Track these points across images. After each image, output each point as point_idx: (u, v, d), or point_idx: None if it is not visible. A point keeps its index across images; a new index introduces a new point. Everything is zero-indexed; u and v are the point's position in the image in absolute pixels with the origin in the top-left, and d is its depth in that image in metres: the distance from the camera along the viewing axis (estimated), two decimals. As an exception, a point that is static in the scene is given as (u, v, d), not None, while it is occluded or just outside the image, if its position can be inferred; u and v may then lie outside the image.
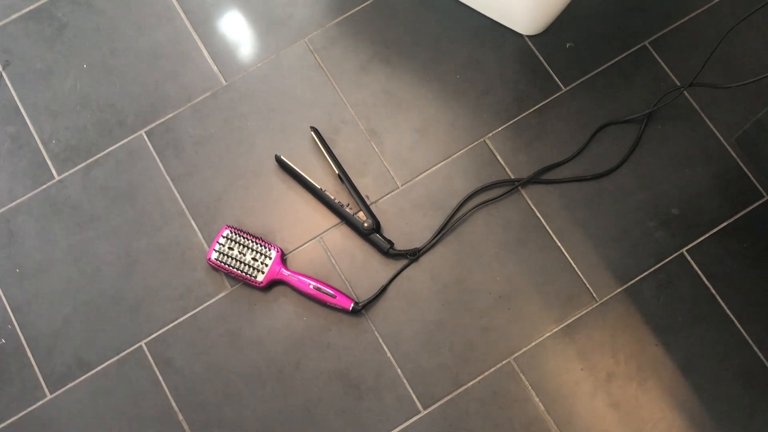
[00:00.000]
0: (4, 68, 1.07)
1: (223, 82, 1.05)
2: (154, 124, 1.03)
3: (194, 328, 0.95)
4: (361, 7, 1.08)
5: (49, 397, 0.94)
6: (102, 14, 1.09)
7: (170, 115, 1.04)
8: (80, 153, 1.02)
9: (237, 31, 1.08)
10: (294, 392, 0.93)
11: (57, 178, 1.02)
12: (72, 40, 1.08)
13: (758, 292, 0.95)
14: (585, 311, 0.95)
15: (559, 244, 0.97)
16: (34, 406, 0.93)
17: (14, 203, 1.01)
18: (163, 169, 1.01)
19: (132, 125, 1.03)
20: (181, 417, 0.92)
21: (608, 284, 0.95)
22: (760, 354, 0.93)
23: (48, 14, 1.09)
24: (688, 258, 0.96)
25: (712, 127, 1.01)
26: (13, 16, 1.09)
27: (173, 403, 0.93)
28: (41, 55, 1.07)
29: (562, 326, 0.94)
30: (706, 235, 0.97)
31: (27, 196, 1.01)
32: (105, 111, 1.04)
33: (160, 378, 0.94)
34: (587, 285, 0.95)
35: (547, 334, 0.94)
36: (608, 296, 0.95)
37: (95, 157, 1.02)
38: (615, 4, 1.07)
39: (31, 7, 1.09)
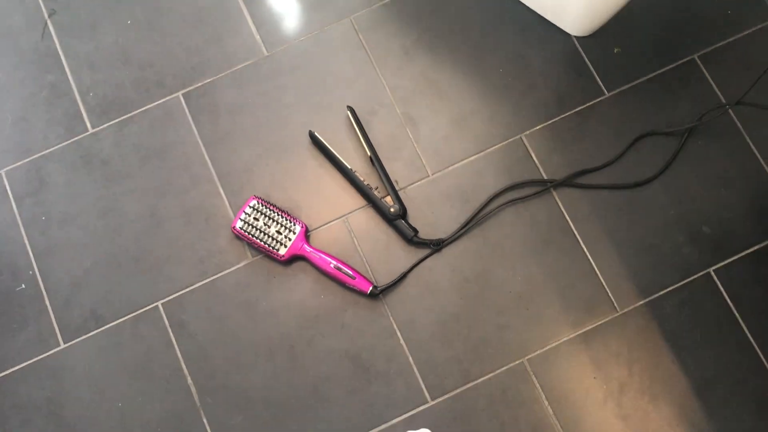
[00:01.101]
0: (49, 16, 1.07)
1: (265, 52, 1.04)
2: (191, 87, 1.03)
3: (211, 294, 0.96)
4: (410, -10, 1.07)
5: (62, 346, 0.94)
6: (151, -28, 1.09)
7: (209, 80, 1.03)
8: (116, 108, 1.03)
9: (283, 2, 1.07)
10: (304, 368, 0.93)
11: (91, 130, 1.02)
12: (119, -5, 1.08)
13: (782, 321, 0.93)
14: (604, 320, 0.94)
15: (585, 249, 0.96)
16: (46, 354, 0.94)
17: (47, 151, 1.01)
18: (196, 132, 1.01)
19: (170, 86, 1.03)
20: (189, 380, 0.93)
21: (630, 295, 0.94)
22: (777, 383, 0.91)
23: (98, -33, 1.09)
24: (715, 278, 0.95)
25: (754, 148, 0.99)
26: (63, -34, 1.09)
27: (183, 366, 0.93)
28: (86, 6, 1.07)
29: (579, 332, 0.93)
30: (735, 257, 0.96)
31: (60, 146, 1.01)
32: (144, 69, 1.04)
33: (173, 339, 0.94)
34: (609, 294, 0.94)
35: (564, 339, 0.93)
36: (629, 307, 0.94)
37: (130, 114, 1.02)
38: (667, 14, 1.05)
39: (82, -42, 1.09)
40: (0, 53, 1.05)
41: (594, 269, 0.95)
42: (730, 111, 1.00)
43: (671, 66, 1.03)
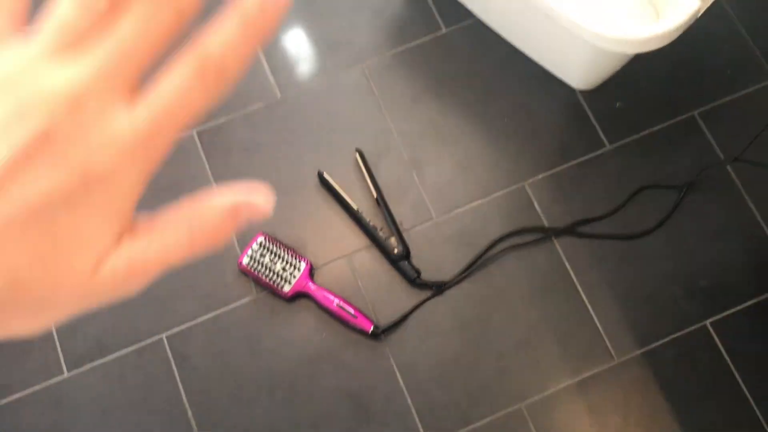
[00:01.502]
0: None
1: (278, 95, 1.08)
2: (206, 126, 1.06)
3: (215, 328, 0.97)
4: (420, 41, 1.10)
5: (66, 375, 0.96)
6: (172, 14, 1.13)
7: (223, 120, 1.07)
8: (131, 143, 1.05)
9: (299, 48, 1.11)
10: (303, 405, 0.94)
11: (106, 164, 1.05)
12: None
13: (778, 375, 0.94)
14: (602, 368, 0.95)
15: (584, 297, 0.98)
16: (50, 382, 0.95)
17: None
18: (208, 169, 1.04)
19: (185, 124, 1.06)
20: (190, 413, 0.94)
21: (628, 345, 0.96)
22: (772, 437, 0.92)
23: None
24: (711, 330, 0.96)
25: (751, 204, 1.01)
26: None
27: (184, 398, 0.94)
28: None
29: (577, 380, 0.94)
30: (732, 311, 0.97)
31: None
32: (161, 106, 1.07)
33: (176, 372, 0.95)
34: (607, 342, 0.96)
35: (562, 386, 0.94)
36: (627, 357, 0.95)
37: (145, 150, 1.05)
38: (668, 72, 1.09)
39: None
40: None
41: (592, 317, 0.97)
42: (728, 167, 1.03)
43: (671, 121, 1.06)
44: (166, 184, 1.03)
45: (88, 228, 0.23)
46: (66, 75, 0.22)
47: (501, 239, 1.00)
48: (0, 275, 0.22)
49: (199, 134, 1.06)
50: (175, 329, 0.97)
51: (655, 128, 1.06)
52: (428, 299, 0.98)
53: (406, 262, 0.98)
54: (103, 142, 0.22)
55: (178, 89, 0.22)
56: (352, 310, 0.95)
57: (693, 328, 0.97)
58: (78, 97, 0.22)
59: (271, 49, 1.10)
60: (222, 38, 0.22)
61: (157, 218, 0.25)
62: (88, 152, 0.22)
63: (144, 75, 0.23)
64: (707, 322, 0.97)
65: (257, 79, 1.09)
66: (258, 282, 0.98)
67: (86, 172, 0.22)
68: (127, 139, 0.22)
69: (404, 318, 0.97)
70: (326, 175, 1.02)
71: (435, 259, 1.00)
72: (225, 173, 1.04)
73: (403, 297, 0.98)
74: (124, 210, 0.24)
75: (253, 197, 0.24)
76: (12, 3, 0.23)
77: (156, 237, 0.24)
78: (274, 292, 0.97)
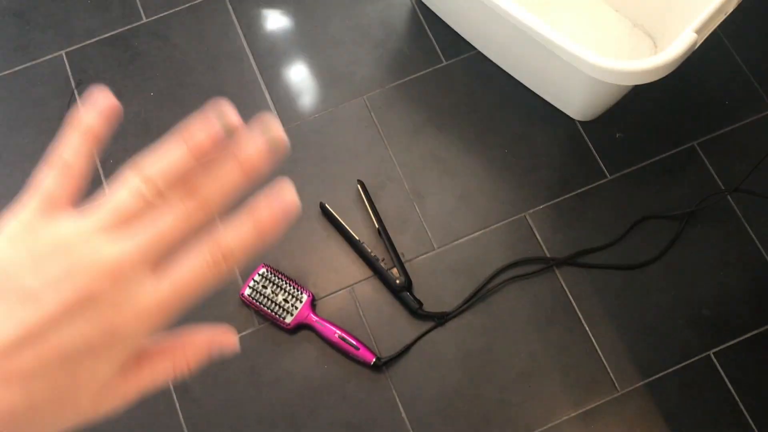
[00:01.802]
0: (76, 86, 1.12)
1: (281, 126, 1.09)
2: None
3: (217, 359, 0.97)
4: (421, 73, 1.12)
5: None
6: (176, 48, 1.14)
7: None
8: (135, 175, 1.06)
9: (300, 80, 1.12)
10: (305, 438, 0.93)
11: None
12: (143, 69, 1.13)
13: (783, 406, 0.94)
14: (605, 400, 0.94)
15: (587, 328, 0.97)
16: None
17: (65, 214, 1.04)
18: (211, 201, 1.04)
19: (188, 155, 1.07)
20: (190, 446, 0.93)
21: (631, 375, 0.95)
22: (778, 469, 0.91)
23: (125, 42, 1.15)
24: (715, 361, 0.96)
25: (752, 234, 1.02)
26: (93, 40, 1.15)
27: (185, 430, 0.94)
28: (113, 78, 1.13)
29: (580, 411, 0.94)
30: (735, 341, 0.97)
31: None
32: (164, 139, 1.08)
33: (177, 404, 0.95)
34: (610, 373, 0.95)
35: (564, 417, 0.93)
36: (630, 388, 0.95)
37: (148, 181, 1.06)
38: (668, 103, 1.10)
39: (111, 33, 1.15)
40: (27, 120, 1.10)
41: (595, 348, 0.96)
42: (728, 197, 1.03)
43: (671, 152, 1.07)
44: (168, 216, 1.03)
45: (103, 370, 0.29)
46: (112, 249, 0.29)
47: (502, 270, 1.00)
48: (21, 399, 0.27)
49: (202, 166, 1.06)
50: (177, 361, 0.97)
51: (656, 158, 1.06)
52: (430, 330, 0.98)
53: (408, 293, 0.98)
54: (132, 307, 0.29)
55: (196, 270, 0.30)
56: (354, 342, 0.95)
57: (696, 358, 0.96)
58: (119, 268, 0.28)
59: (274, 80, 1.12)
60: (236, 235, 0.30)
61: (150, 352, 0.31)
62: (118, 314, 0.28)
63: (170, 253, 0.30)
64: (711, 353, 0.96)
65: (259, 110, 1.10)
66: (260, 313, 0.98)
67: (114, 329, 0.28)
68: (151, 306, 0.29)
69: (406, 349, 0.97)
70: (328, 206, 1.03)
71: (437, 289, 1.00)
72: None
73: (405, 328, 0.98)
74: (133, 355, 0.30)
75: (223, 336, 0.33)
76: (74, 183, 0.31)
77: (148, 369, 0.31)
78: (275, 323, 0.97)
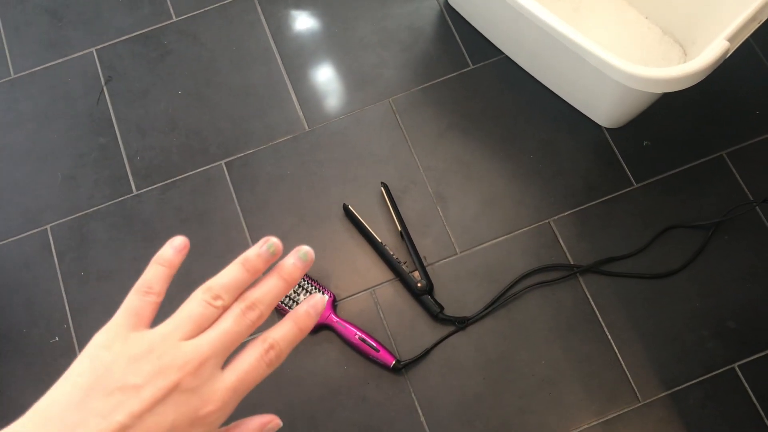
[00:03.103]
0: (106, 83, 1.13)
1: (306, 127, 1.09)
2: (234, 157, 1.08)
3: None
4: (447, 77, 1.11)
5: None
6: (204, 47, 1.15)
7: (251, 151, 1.08)
8: (161, 172, 1.07)
9: (327, 82, 1.13)
10: (323, 439, 0.93)
11: (135, 192, 1.07)
12: (172, 67, 1.14)
13: (809, 422, 0.92)
14: (626, 409, 0.93)
15: (609, 337, 0.96)
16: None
17: (91, 209, 1.06)
18: (236, 200, 1.05)
19: (214, 154, 1.08)
20: (209, 443, 0.93)
21: (654, 386, 0.94)
22: (803, 486, 0.90)
23: (155, 40, 1.16)
24: (739, 374, 0.94)
25: (780, 246, 1.00)
26: (123, 38, 1.16)
27: (204, 429, 0.94)
28: (141, 76, 1.14)
29: (600, 420, 0.93)
30: (761, 354, 0.95)
31: (104, 205, 1.06)
32: (191, 137, 1.09)
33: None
34: (632, 383, 0.94)
35: (584, 426, 0.93)
36: (652, 398, 0.94)
37: (174, 179, 1.07)
38: (697, 112, 1.08)
39: (141, 32, 1.17)
40: (57, 115, 1.11)
41: (618, 357, 0.95)
42: (757, 208, 1.02)
43: (699, 161, 1.05)
44: (195, 213, 1.04)
45: None
46: (190, 348, 0.38)
47: (525, 276, 0.99)
48: None
49: (228, 165, 1.07)
50: (198, 358, 0.97)
51: (683, 167, 1.05)
52: (451, 334, 0.97)
53: (429, 297, 0.98)
54: (209, 394, 0.37)
55: (252, 362, 0.40)
56: (374, 344, 0.95)
57: (720, 370, 0.95)
58: (198, 362, 0.37)
59: (300, 81, 1.12)
60: (281, 332, 0.41)
61: None
62: (199, 400, 0.37)
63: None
64: (735, 365, 0.95)
65: (285, 112, 1.10)
66: (281, 313, 0.98)
67: (197, 413, 0.37)
68: (223, 393, 0.38)
69: (426, 353, 0.96)
70: (351, 208, 1.03)
71: (458, 294, 0.99)
72: (252, 203, 1.05)
73: (425, 332, 0.98)
74: None
75: (271, 421, 0.42)
76: (155, 304, 0.41)
77: None
78: (296, 323, 0.97)
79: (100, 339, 0.39)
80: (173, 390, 0.36)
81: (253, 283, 0.42)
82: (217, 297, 0.40)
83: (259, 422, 0.42)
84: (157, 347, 0.38)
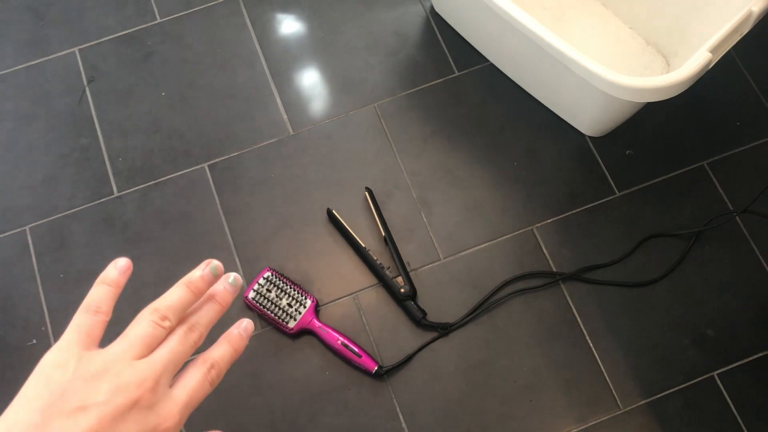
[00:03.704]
0: (88, 83, 1.12)
1: (291, 131, 1.09)
2: (217, 159, 1.07)
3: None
4: (433, 83, 1.12)
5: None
6: (189, 48, 1.14)
7: (235, 154, 1.07)
8: (143, 174, 1.06)
9: (312, 86, 1.12)
10: (304, 445, 0.93)
11: (116, 194, 1.05)
12: (156, 68, 1.13)
13: (785, 430, 0.93)
14: (607, 417, 0.94)
15: (591, 344, 0.97)
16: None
17: (72, 211, 1.04)
18: (218, 203, 1.04)
19: (197, 157, 1.07)
20: (189, 448, 0.93)
21: (634, 394, 0.95)
22: (780, 494, 0.90)
23: (139, 41, 1.15)
24: (719, 382, 0.95)
25: (760, 257, 1.01)
26: (107, 37, 1.15)
27: (184, 434, 0.93)
28: (125, 77, 1.13)
29: (581, 427, 0.93)
30: (739, 363, 0.96)
31: (85, 206, 1.05)
32: (174, 139, 1.09)
33: (176, 406, 0.94)
34: (613, 391, 0.95)
35: (565, 433, 0.93)
36: (632, 406, 0.94)
37: (156, 181, 1.06)
38: (679, 122, 1.09)
39: (125, 32, 1.16)
40: (38, 115, 1.10)
41: (599, 364, 0.96)
42: (737, 218, 1.03)
43: (681, 171, 1.06)
44: (176, 215, 1.04)
45: None
46: (145, 366, 0.40)
47: (508, 282, 1.00)
48: None
49: (211, 167, 1.06)
50: (178, 362, 0.96)
51: (665, 177, 1.06)
52: (433, 340, 0.97)
53: (413, 303, 0.98)
54: (165, 409, 0.39)
55: (198, 379, 0.42)
56: (356, 349, 0.94)
57: (700, 379, 0.96)
58: (154, 379, 0.39)
59: (285, 84, 1.12)
60: (219, 353, 0.45)
61: None
62: (157, 415, 0.39)
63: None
64: (714, 374, 0.96)
65: (270, 115, 1.10)
66: (263, 317, 0.98)
67: (157, 429, 0.39)
68: (176, 408, 0.40)
69: (409, 359, 0.96)
70: (335, 213, 1.03)
71: (441, 300, 0.99)
72: (235, 206, 1.04)
73: (408, 337, 0.98)
74: None
75: None
76: (103, 322, 0.43)
77: None
78: (278, 327, 0.97)
79: (51, 359, 0.40)
80: (133, 407, 0.38)
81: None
82: (164, 318, 0.42)
83: None
84: (112, 366, 0.39)
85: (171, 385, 0.41)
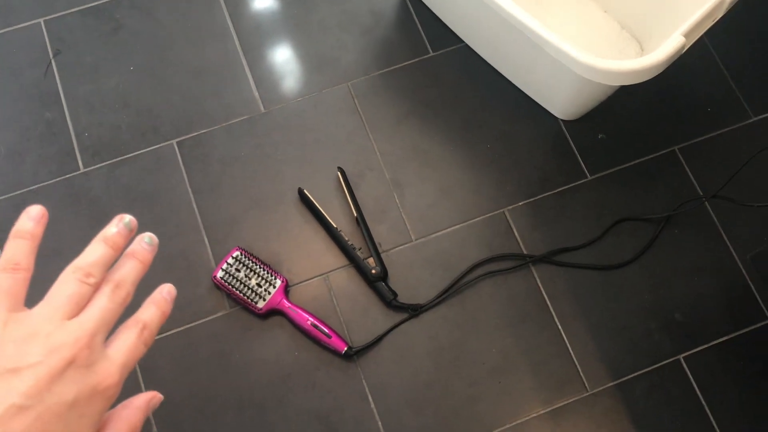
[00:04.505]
0: (54, 56, 1.09)
1: (262, 109, 1.07)
2: (186, 136, 1.05)
3: (185, 342, 0.95)
4: (407, 63, 1.11)
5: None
6: (159, 23, 1.12)
7: (204, 131, 1.05)
8: (110, 150, 1.04)
9: (284, 63, 1.11)
10: (272, 425, 0.92)
11: (82, 170, 1.03)
12: (125, 42, 1.11)
13: (748, 413, 0.94)
14: (574, 399, 0.94)
15: (560, 327, 0.97)
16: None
17: (35, 186, 1.02)
18: (187, 180, 1.03)
19: (165, 133, 1.05)
20: (155, 429, 0.91)
21: (601, 376, 0.95)
22: (741, 475, 0.92)
23: (108, 13, 1.12)
24: (684, 365, 0.96)
25: (727, 241, 1.02)
26: (74, 9, 1.12)
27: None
28: (92, 50, 1.10)
29: (548, 410, 0.94)
30: (705, 346, 0.98)
31: (50, 182, 1.02)
32: (142, 115, 1.06)
33: (142, 386, 0.93)
34: (581, 373, 0.95)
35: (533, 415, 0.93)
36: (599, 388, 0.95)
37: (123, 157, 1.04)
38: (651, 107, 1.10)
39: (93, 4, 1.13)
40: (1, 87, 1.07)
41: (567, 347, 0.96)
42: (706, 203, 1.04)
43: (652, 156, 1.07)
44: (144, 193, 1.02)
45: (87, 425, 0.37)
46: (77, 326, 0.38)
47: (479, 264, 1.00)
48: None
49: (179, 144, 1.05)
50: (144, 341, 0.95)
51: (636, 161, 1.06)
52: (403, 322, 0.97)
53: (383, 284, 0.97)
54: (103, 368, 0.38)
55: (132, 339, 0.41)
56: (326, 330, 0.94)
57: (666, 362, 0.97)
58: (90, 338, 0.38)
59: (257, 61, 1.10)
60: (149, 315, 0.43)
61: (107, 419, 0.41)
62: (98, 376, 0.38)
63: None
64: (681, 357, 0.97)
65: (241, 92, 1.08)
66: (231, 297, 0.96)
67: (97, 387, 0.38)
68: (114, 366, 0.39)
69: (378, 340, 0.96)
70: (306, 192, 1.01)
71: (412, 281, 0.99)
72: (203, 185, 1.03)
73: (378, 319, 0.97)
74: (105, 413, 0.39)
75: (156, 398, 0.44)
76: (26, 279, 0.40)
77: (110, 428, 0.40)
78: (247, 307, 0.96)
79: None
80: (69, 366, 0.37)
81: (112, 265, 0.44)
82: (89, 275, 0.40)
83: (145, 399, 0.43)
84: (41, 328, 0.37)
85: (105, 346, 0.40)
